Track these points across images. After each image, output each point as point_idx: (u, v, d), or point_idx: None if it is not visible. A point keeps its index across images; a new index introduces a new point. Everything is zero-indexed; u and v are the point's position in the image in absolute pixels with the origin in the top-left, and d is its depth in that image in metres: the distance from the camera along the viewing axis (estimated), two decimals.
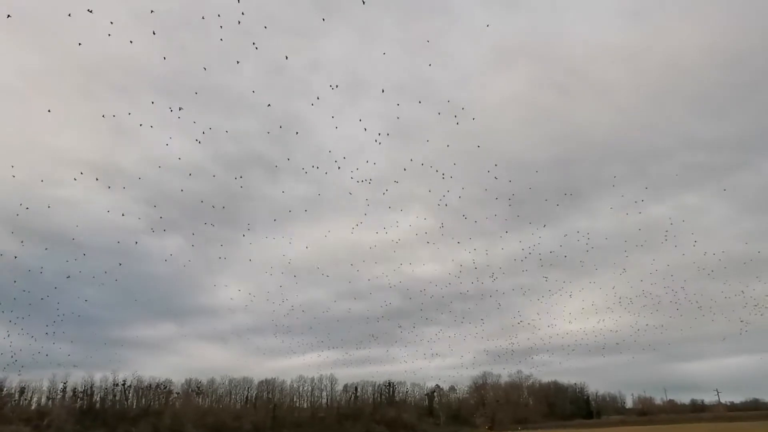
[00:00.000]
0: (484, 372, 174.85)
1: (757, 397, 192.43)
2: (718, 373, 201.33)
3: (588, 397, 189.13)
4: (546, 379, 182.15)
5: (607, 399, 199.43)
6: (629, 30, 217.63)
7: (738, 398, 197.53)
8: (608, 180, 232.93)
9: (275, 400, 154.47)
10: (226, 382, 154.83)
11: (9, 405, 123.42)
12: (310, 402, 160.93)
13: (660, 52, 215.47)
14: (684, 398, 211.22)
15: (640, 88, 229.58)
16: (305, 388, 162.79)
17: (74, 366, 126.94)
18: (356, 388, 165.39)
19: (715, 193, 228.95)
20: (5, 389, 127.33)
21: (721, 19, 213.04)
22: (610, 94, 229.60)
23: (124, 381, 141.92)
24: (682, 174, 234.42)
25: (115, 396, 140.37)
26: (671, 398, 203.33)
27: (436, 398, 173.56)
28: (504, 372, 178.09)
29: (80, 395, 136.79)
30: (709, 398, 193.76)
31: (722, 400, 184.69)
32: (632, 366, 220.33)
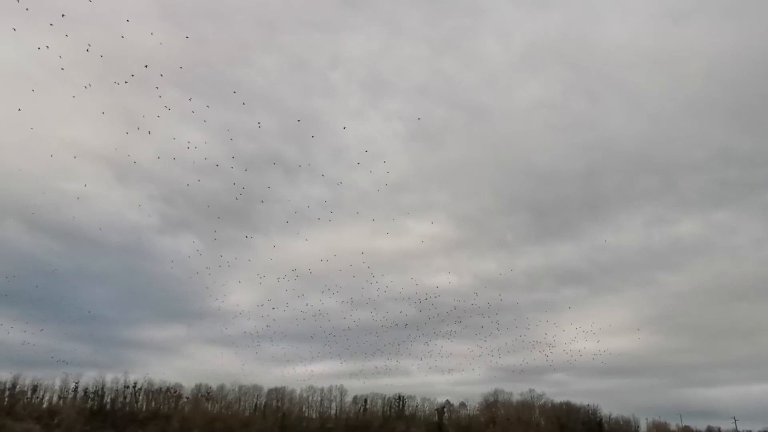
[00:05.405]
0: (496, 389, 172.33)
1: None
2: (736, 400, 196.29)
3: (601, 420, 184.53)
4: (558, 399, 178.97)
5: (621, 422, 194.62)
6: (668, 34, 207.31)
7: (756, 427, 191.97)
8: (636, 193, 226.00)
9: (284, 408, 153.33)
10: (236, 388, 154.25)
11: (21, 402, 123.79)
12: (319, 412, 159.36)
13: (700, 59, 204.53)
14: (700, 425, 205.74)
15: (675, 96, 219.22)
16: (315, 398, 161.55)
17: (87, 366, 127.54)
18: (366, 401, 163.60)
19: (749, 211, 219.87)
20: (18, 387, 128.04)
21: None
22: (644, 102, 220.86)
23: (135, 383, 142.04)
24: (714, 189, 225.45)
25: (125, 398, 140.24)
26: (687, 424, 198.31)
27: (446, 414, 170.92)
28: (516, 390, 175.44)
29: (91, 395, 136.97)
30: (726, 426, 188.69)
31: (739, 428, 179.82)
32: (648, 389, 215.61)
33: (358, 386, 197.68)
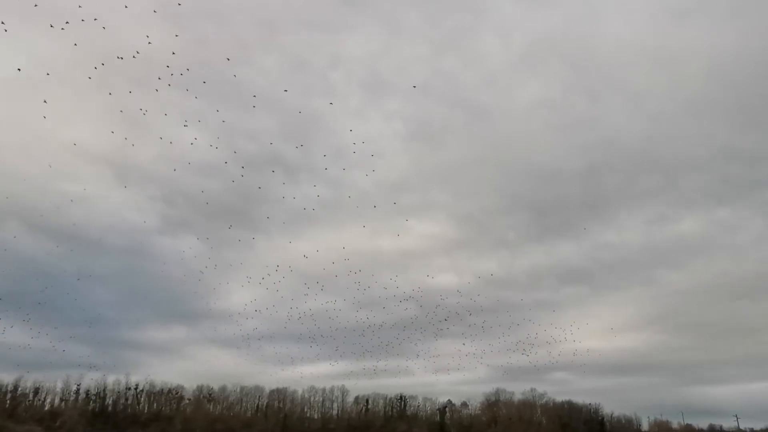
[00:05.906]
0: (497, 389, 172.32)
1: None
2: (738, 399, 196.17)
3: (603, 419, 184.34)
4: (560, 398, 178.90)
5: (623, 421, 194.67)
6: (668, 34, 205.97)
7: (758, 425, 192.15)
8: (638, 192, 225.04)
9: (286, 409, 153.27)
10: (238, 389, 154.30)
11: (23, 405, 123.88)
12: (321, 413, 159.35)
13: (700, 58, 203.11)
14: (702, 423, 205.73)
15: (676, 95, 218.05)
16: (316, 399, 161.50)
17: (88, 368, 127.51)
18: (367, 401, 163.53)
19: (750, 208, 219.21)
20: (20, 389, 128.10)
21: None
22: (644, 101, 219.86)
23: (137, 385, 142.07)
24: (716, 188, 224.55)
25: (127, 399, 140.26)
26: (689, 422, 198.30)
27: (447, 414, 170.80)
28: (517, 389, 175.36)
29: (93, 397, 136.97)
30: (728, 424, 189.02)
31: (741, 426, 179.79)
32: (650, 388, 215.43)
33: (359, 386, 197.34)
